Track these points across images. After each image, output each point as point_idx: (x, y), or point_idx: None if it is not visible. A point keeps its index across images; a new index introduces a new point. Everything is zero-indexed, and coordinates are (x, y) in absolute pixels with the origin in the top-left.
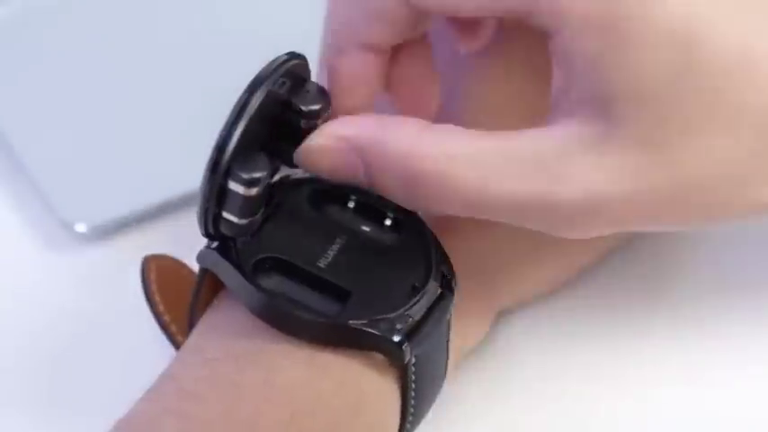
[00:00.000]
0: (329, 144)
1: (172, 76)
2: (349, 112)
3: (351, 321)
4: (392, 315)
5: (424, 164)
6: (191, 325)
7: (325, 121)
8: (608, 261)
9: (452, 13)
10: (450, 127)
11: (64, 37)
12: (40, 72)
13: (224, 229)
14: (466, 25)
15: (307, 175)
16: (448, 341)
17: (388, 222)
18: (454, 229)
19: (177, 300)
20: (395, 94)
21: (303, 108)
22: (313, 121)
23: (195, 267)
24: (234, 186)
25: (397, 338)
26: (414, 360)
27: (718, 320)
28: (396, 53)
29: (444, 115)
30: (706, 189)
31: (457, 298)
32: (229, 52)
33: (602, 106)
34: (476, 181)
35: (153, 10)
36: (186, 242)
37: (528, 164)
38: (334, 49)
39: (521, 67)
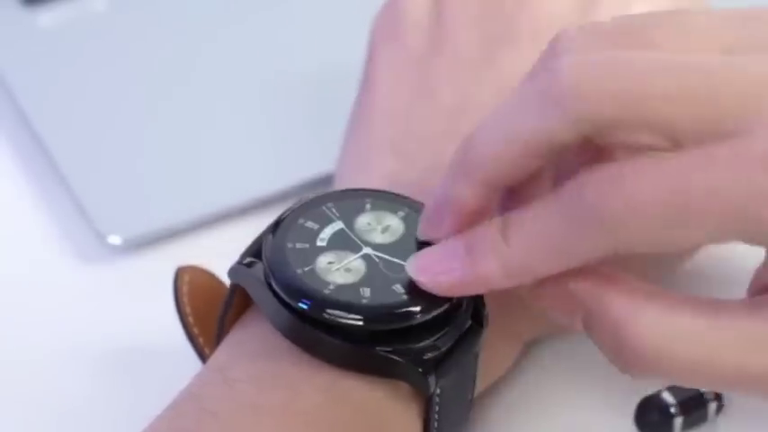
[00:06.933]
0: (554, 290)
1: (212, 91)
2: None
3: (378, 348)
4: (420, 344)
5: (640, 338)
6: (219, 339)
7: None
8: None
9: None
10: (670, 299)
11: (105, 49)
12: (81, 82)
13: None
14: None
15: (323, 193)
16: (475, 374)
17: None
18: None
19: (207, 312)
20: None
21: None
22: None
23: (227, 281)
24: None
25: (422, 368)
26: (438, 391)
27: None
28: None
29: None
30: None
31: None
32: (274, 72)
33: None
34: (698, 357)
35: (200, 26)
36: (218, 257)
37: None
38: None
39: None
